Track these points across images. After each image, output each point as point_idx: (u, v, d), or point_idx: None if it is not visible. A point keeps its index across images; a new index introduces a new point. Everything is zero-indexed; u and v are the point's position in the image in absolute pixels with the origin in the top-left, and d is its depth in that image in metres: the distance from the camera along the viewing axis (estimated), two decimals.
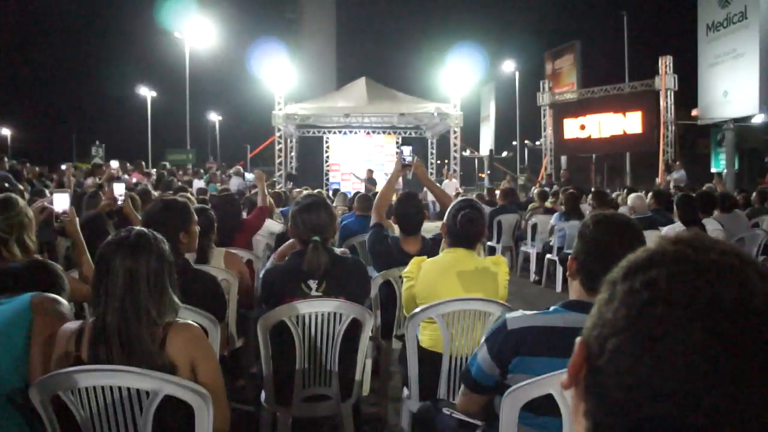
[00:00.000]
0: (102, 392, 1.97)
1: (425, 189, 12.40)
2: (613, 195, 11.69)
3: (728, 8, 18.13)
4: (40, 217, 3.43)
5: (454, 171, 21.07)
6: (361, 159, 22.72)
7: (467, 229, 3.18)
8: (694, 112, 20.82)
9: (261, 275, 3.41)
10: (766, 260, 6.67)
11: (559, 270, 8.40)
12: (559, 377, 1.87)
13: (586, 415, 0.67)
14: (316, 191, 6.90)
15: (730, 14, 18.09)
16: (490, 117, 31.14)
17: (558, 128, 24.98)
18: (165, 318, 2.08)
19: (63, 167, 14.59)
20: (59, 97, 57.92)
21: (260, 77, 21.77)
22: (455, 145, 21.14)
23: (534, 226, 9.48)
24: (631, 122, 22.77)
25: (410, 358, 3.14)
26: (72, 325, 2.14)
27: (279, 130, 21.03)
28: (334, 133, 24.02)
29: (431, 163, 24.64)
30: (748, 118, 19.08)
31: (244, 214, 6.01)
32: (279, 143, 21.47)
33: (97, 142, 27.98)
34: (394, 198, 5.16)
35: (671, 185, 14.44)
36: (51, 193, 3.67)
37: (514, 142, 39.18)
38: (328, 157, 23.98)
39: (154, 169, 18.83)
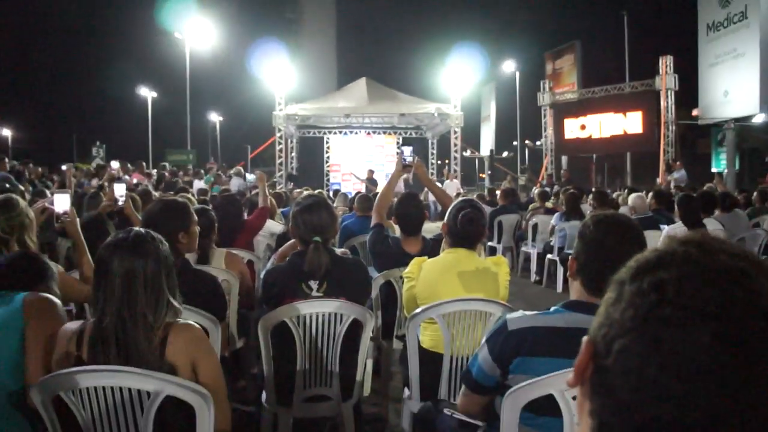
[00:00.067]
0: (103, 393, 1.97)
1: (426, 189, 12.39)
2: (614, 195, 11.69)
3: (728, 8, 18.14)
4: (41, 218, 3.43)
5: (455, 171, 21.07)
6: (361, 159, 22.73)
7: (468, 229, 3.18)
8: (694, 112, 20.82)
9: (262, 276, 3.41)
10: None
11: (560, 270, 8.40)
12: (560, 378, 1.88)
13: (592, 414, 0.67)
14: (316, 191, 6.90)
15: (730, 14, 18.10)
16: (491, 117, 31.13)
17: (558, 128, 24.99)
18: (162, 321, 2.08)
19: (64, 168, 14.58)
20: (60, 98, 57.96)
21: (261, 77, 21.76)
22: (456, 145, 21.13)
23: (535, 227, 9.48)
24: (632, 122, 22.78)
25: (411, 358, 3.14)
26: (73, 325, 2.14)
27: (279, 130, 21.02)
28: (335, 133, 24.02)
29: (432, 164, 24.63)
30: (748, 118, 19.09)
31: (245, 215, 6.00)
32: (279, 144, 21.47)
33: (98, 143, 28.01)
34: (395, 198, 5.16)
35: (672, 185, 14.42)
36: (52, 194, 3.67)
37: (515, 143, 39.16)
38: (328, 157, 23.98)
39: (155, 170, 18.83)
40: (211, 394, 2.01)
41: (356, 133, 23.99)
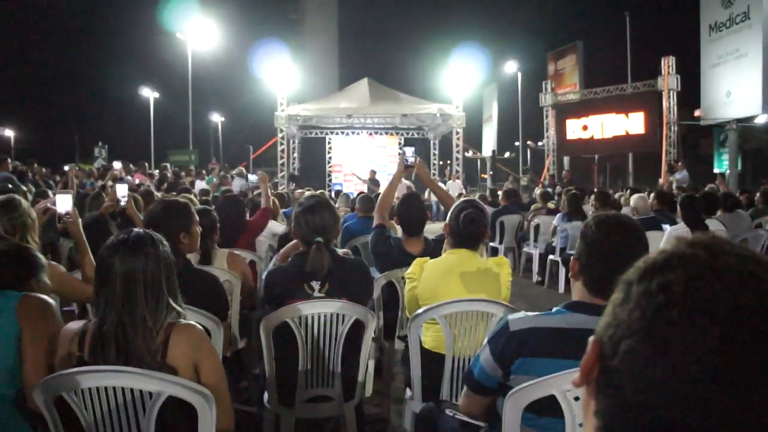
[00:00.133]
0: (105, 393, 1.98)
1: (428, 190, 12.39)
2: (616, 196, 11.68)
3: (731, 8, 18.12)
4: (43, 218, 3.44)
5: (457, 172, 21.07)
6: (363, 160, 22.73)
7: (470, 229, 3.18)
8: (696, 113, 20.80)
9: (264, 276, 3.41)
10: None
11: (562, 271, 8.40)
12: (561, 378, 1.88)
13: (597, 415, 0.67)
14: (318, 192, 6.90)
15: (732, 14, 18.08)
16: (493, 118, 31.18)
17: (560, 129, 24.97)
18: (163, 323, 2.08)
19: (66, 168, 14.61)
20: (62, 99, 58.00)
21: (263, 78, 21.78)
22: (458, 146, 21.13)
23: (536, 227, 9.47)
24: (634, 123, 22.76)
25: (413, 359, 3.13)
26: (75, 325, 2.14)
27: (281, 131, 21.03)
28: (337, 134, 24.03)
29: (433, 164, 24.63)
30: (751, 119, 19.06)
31: (247, 216, 6.01)
32: (281, 144, 21.48)
33: (100, 143, 28.00)
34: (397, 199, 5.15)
35: (674, 186, 14.41)
36: (54, 195, 3.67)
37: (517, 143, 39.09)
38: (330, 158, 24.00)
39: (157, 170, 18.84)
40: (214, 394, 2.01)
41: (358, 133, 24.00)
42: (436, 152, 25.29)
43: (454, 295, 3.08)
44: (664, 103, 21.10)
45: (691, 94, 21.54)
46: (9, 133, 41.72)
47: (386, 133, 23.93)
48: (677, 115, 21.22)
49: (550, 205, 10.65)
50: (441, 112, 20.07)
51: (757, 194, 9.99)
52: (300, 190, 12.02)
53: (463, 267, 3.19)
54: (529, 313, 2.06)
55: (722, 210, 7.13)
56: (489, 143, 32.12)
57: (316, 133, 24.51)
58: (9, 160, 12.02)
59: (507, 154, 39.07)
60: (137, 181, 13.22)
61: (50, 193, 7.63)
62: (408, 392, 3.31)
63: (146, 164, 17.20)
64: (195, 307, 2.76)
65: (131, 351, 2.01)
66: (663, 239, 5.92)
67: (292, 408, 3.10)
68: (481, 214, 3.23)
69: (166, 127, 39.08)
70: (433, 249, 4.01)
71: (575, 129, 24.61)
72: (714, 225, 6.18)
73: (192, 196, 7.44)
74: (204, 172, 19.20)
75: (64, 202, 3.42)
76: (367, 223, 5.74)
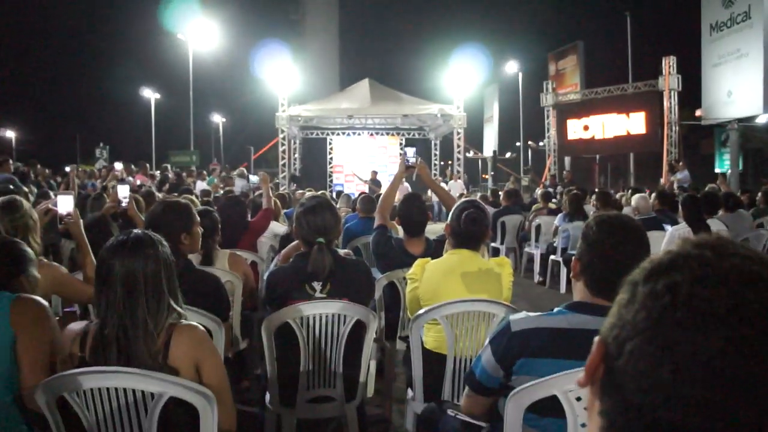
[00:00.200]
0: (107, 394, 1.98)
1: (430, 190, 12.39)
2: (617, 196, 11.68)
3: (732, 8, 18.10)
4: (45, 219, 3.44)
5: (458, 172, 21.07)
6: (364, 160, 22.74)
7: (471, 229, 3.18)
8: (697, 113, 20.79)
9: (265, 277, 3.41)
10: None
11: (563, 271, 8.39)
12: (563, 378, 1.88)
13: (602, 415, 0.67)
14: (319, 193, 6.90)
15: (733, 14, 18.06)
16: (494, 118, 31.15)
17: (561, 129, 24.96)
18: (164, 324, 2.08)
19: (67, 169, 14.61)
20: (63, 100, 58.13)
21: (264, 79, 21.79)
22: (459, 146, 21.13)
23: (538, 227, 9.47)
24: (635, 123, 22.75)
25: (414, 359, 3.13)
26: (76, 326, 2.14)
27: (282, 131, 21.04)
28: (338, 134, 24.04)
29: (435, 165, 24.64)
30: (752, 118, 19.04)
31: (249, 216, 6.01)
32: (282, 145, 21.48)
33: (101, 144, 28.03)
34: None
35: (675, 186, 14.41)
36: (56, 195, 3.68)
37: (518, 143, 39.13)
38: (331, 158, 24.01)
39: (158, 171, 18.85)
40: (216, 394, 2.01)
41: (359, 134, 24.01)
42: (437, 152, 25.30)
43: (455, 296, 3.08)
44: (665, 103, 21.10)
45: (692, 94, 21.54)
46: (10, 134, 41.77)
47: (387, 134, 23.95)
48: (678, 115, 21.21)
49: (551, 205, 10.65)
50: (442, 112, 20.08)
51: (759, 194, 9.98)
52: (301, 191, 12.03)
53: (464, 267, 3.19)
54: (531, 314, 2.06)
55: (724, 210, 7.13)
56: (490, 143, 32.10)
57: (317, 134, 24.52)
58: (11, 161, 12.02)
59: (508, 155, 39.08)
60: (138, 182, 13.22)
61: (52, 194, 7.63)
62: (409, 392, 3.31)
63: (147, 165, 17.20)
64: (197, 308, 2.76)
65: (132, 354, 2.01)
66: (665, 239, 5.92)
67: (294, 408, 3.10)
68: (483, 215, 3.23)
69: (167, 127, 39.16)
70: (434, 249, 4.01)
71: (576, 129, 24.59)
72: (715, 225, 6.18)
73: (193, 197, 7.44)
74: (204, 172, 19.20)
75: (65, 203, 3.42)
76: (368, 224, 5.73)
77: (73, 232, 3.46)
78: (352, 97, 20.91)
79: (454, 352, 3.06)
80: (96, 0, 57.75)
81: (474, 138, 30.51)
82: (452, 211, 3.30)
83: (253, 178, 15.45)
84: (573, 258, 2.06)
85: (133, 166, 15.67)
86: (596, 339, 0.70)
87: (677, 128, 21.12)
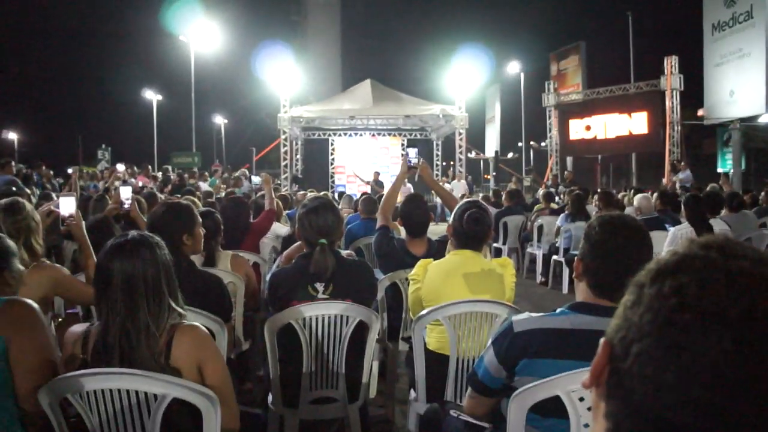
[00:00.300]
0: (110, 396, 1.98)
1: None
2: (619, 196, 11.67)
3: (734, 8, 18.09)
4: (47, 221, 3.44)
5: (461, 173, 21.07)
6: (366, 161, 22.74)
7: (473, 230, 3.18)
8: (700, 112, 20.78)
9: (268, 278, 3.41)
10: None
11: (566, 271, 8.39)
12: (566, 379, 1.88)
13: (607, 416, 0.67)
14: (321, 193, 6.90)
15: (735, 14, 18.05)
16: (496, 118, 31.18)
17: (563, 129, 24.96)
18: (165, 325, 2.07)
19: (69, 171, 14.63)
20: (65, 101, 58.20)
21: (265, 80, 21.80)
22: (460, 146, 21.13)
23: (540, 228, 9.46)
24: (637, 123, 22.75)
25: (417, 360, 3.13)
26: (78, 328, 2.14)
27: (284, 132, 21.04)
28: (340, 135, 24.04)
29: (437, 165, 24.64)
30: (754, 118, 19.03)
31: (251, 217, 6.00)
32: (284, 146, 21.49)
33: (104, 146, 28.06)
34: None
35: (677, 186, 14.40)
36: (58, 197, 3.68)
37: (520, 144, 39.09)
38: (333, 159, 24.01)
39: (160, 173, 18.86)
40: (218, 394, 2.01)
41: (361, 134, 24.01)
42: (439, 153, 25.29)
43: (458, 296, 3.08)
44: (667, 103, 21.09)
45: (694, 93, 21.53)
46: (12, 135, 41.77)
47: (389, 134, 23.94)
48: (680, 114, 21.21)
49: (554, 205, 10.65)
50: (444, 112, 20.07)
51: (762, 193, 9.97)
52: (302, 192, 12.03)
53: (466, 268, 3.19)
54: (534, 314, 2.06)
55: (728, 209, 7.11)
56: (492, 144, 32.13)
57: (319, 135, 24.52)
58: (13, 163, 12.04)
59: (510, 155, 39.04)
60: (140, 184, 13.24)
61: (54, 195, 7.63)
62: (412, 393, 3.30)
63: (149, 167, 17.22)
64: (199, 309, 2.76)
65: (135, 357, 2.01)
66: (667, 239, 5.91)
67: (297, 409, 3.10)
68: (485, 215, 3.23)
69: (169, 129, 39.17)
70: (436, 250, 4.01)
71: (578, 129, 24.59)
72: (718, 225, 6.16)
73: (195, 199, 7.44)
74: (206, 174, 19.21)
75: (67, 205, 3.43)
76: (370, 225, 5.73)
77: (75, 234, 3.46)
78: (353, 98, 20.92)
79: (456, 352, 3.05)
80: (98, 1, 57.86)
81: (476, 138, 30.56)
82: (454, 211, 3.30)
83: (255, 179, 15.45)
84: (575, 258, 2.05)
85: (135, 168, 15.69)
86: (602, 340, 0.70)
87: (679, 128, 21.11)
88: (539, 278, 9.44)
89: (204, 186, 15.15)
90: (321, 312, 3.04)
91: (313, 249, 3.15)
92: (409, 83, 32.31)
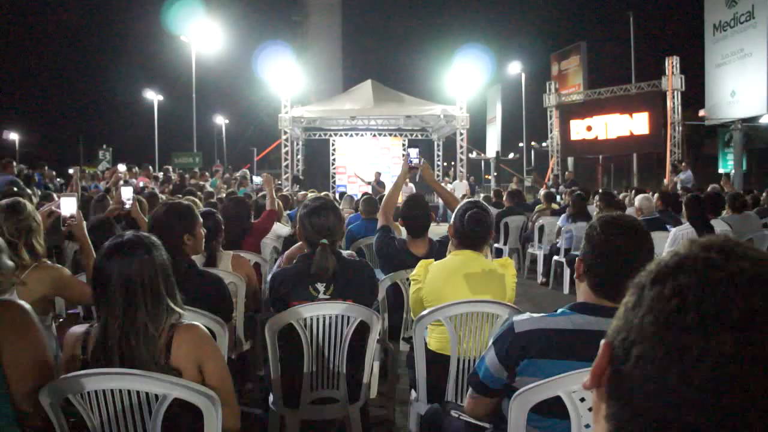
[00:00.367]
0: (111, 396, 1.98)
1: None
2: (620, 196, 11.66)
3: (735, 8, 18.09)
4: (48, 221, 3.44)
5: (462, 173, 21.07)
6: (367, 161, 22.76)
7: (475, 230, 3.18)
8: (701, 113, 20.79)
9: (269, 278, 3.41)
10: None
11: (566, 272, 8.38)
12: (567, 379, 1.87)
13: (608, 418, 0.66)
14: (322, 194, 6.90)
15: (737, 14, 18.04)
16: (497, 119, 31.17)
17: (564, 130, 24.94)
18: (164, 326, 2.07)
19: (70, 171, 14.63)
20: (66, 102, 58.20)
21: (266, 80, 21.80)
22: (461, 147, 21.12)
23: (541, 228, 9.46)
24: (638, 123, 22.73)
25: (418, 360, 3.13)
26: (79, 329, 2.14)
27: (285, 132, 21.04)
28: (341, 135, 24.06)
29: (437, 165, 24.64)
30: (755, 118, 19.03)
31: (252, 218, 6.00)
32: (285, 146, 21.49)
33: (105, 146, 28.07)
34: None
35: (678, 186, 14.39)
36: (59, 197, 3.68)
37: (521, 144, 39.10)
38: (334, 159, 24.03)
39: (161, 173, 18.86)
40: (219, 393, 2.01)
41: (362, 135, 24.02)
42: (440, 153, 25.30)
43: (458, 297, 3.08)
44: (669, 104, 21.07)
45: (695, 94, 21.56)
46: (13, 136, 41.76)
47: (390, 135, 23.97)
48: (681, 115, 21.19)
49: (554, 205, 10.64)
50: (445, 113, 20.06)
51: (764, 193, 9.96)
52: (303, 192, 12.03)
53: (467, 268, 3.18)
54: (535, 315, 2.06)
55: (731, 210, 7.11)
56: (493, 144, 32.12)
57: (320, 135, 24.53)
58: (14, 164, 12.04)
59: (511, 155, 39.08)
60: (141, 184, 13.24)
61: (55, 196, 7.64)
62: (413, 394, 3.30)
63: (150, 167, 17.22)
64: (200, 309, 2.76)
65: (134, 359, 2.01)
66: (668, 240, 5.91)
67: (297, 409, 3.10)
68: (486, 215, 3.22)
69: (170, 129, 39.19)
70: (437, 250, 4.01)
71: (579, 129, 24.58)
72: (719, 225, 6.16)
73: (196, 199, 7.45)
74: (207, 174, 19.21)
75: (68, 205, 3.42)
76: (371, 225, 5.73)
77: (76, 234, 3.46)
78: (354, 98, 20.90)
79: (457, 353, 3.05)
80: (99, 2, 57.86)
81: (477, 139, 30.56)
82: (455, 211, 3.29)
83: (257, 179, 15.45)
84: (577, 259, 2.05)
85: (137, 168, 15.68)
86: (602, 342, 0.69)
87: (680, 128, 21.09)
88: (540, 278, 9.44)
89: (206, 186, 15.15)
90: (322, 312, 3.04)
91: (314, 249, 3.15)
92: (410, 83, 32.36)
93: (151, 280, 2.07)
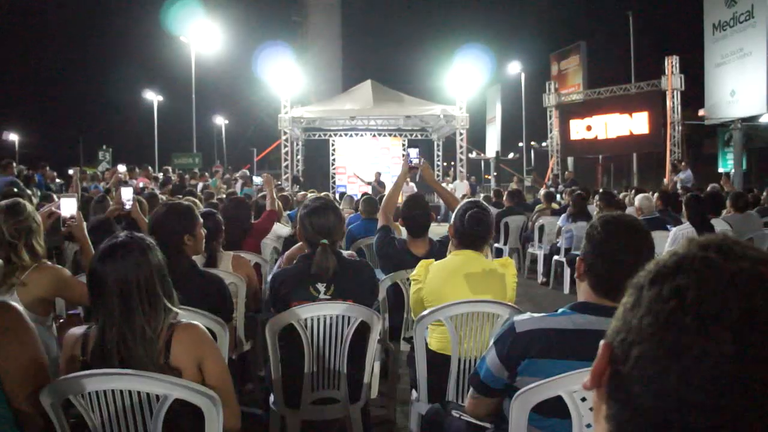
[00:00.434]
0: (112, 396, 1.98)
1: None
2: (620, 196, 11.66)
3: (735, 7, 18.08)
4: (48, 222, 3.44)
5: (461, 173, 21.07)
6: (367, 161, 22.76)
7: (475, 230, 3.18)
8: (700, 112, 20.79)
9: (269, 279, 3.41)
10: None
11: (567, 272, 8.38)
12: (568, 379, 1.87)
13: (608, 419, 0.66)
14: (322, 194, 6.90)
15: (736, 13, 18.04)
16: (496, 119, 31.16)
17: (564, 129, 24.94)
18: (162, 326, 2.07)
19: (70, 171, 14.63)
20: (66, 102, 58.17)
21: (266, 80, 21.79)
22: (461, 147, 21.11)
23: (541, 228, 9.46)
24: (638, 123, 22.74)
25: (419, 360, 3.13)
26: (78, 330, 2.13)
27: (285, 133, 21.04)
28: (340, 135, 24.06)
29: (437, 165, 24.64)
30: (755, 118, 19.03)
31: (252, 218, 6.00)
32: (285, 146, 21.48)
33: (104, 147, 28.07)
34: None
35: (678, 186, 14.39)
36: (59, 198, 3.68)
37: (520, 144, 39.10)
38: (334, 159, 24.03)
39: (161, 173, 18.86)
40: (219, 391, 2.01)
41: (362, 135, 24.03)
42: (440, 153, 25.29)
43: (459, 297, 3.08)
44: (668, 103, 21.08)
45: (695, 93, 21.53)
46: (13, 137, 41.75)
47: (390, 135, 23.97)
48: (681, 114, 21.20)
49: (554, 205, 10.64)
50: (444, 113, 20.06)
51: (765, 193, 9.96)
52: (303, 192, 12.02)
53: (468, 268, 3.18)
54: (536, 315, 2.06)
55: (734, 209, 7.10)
56: (492, 144, 32.11)
57: (320, 135, 24.52)
58: (14, 164, 12.04)
59: (511, 155, 39.07)
60: (141, 185, 13.23)
61: (55, 196, 7.63)
62: (414, 394, 3.30)
63: (149, 167, 17.21)
64: (201, 309, 2.77)
65: (133, 362, 2.01)
66: (668, 240, 5.90)
67: (298, 410, 3.10)
68: (487, 215, 3.22)
69: (170, 130, 39.16)
70: (437, 250, 4.01)
71: (579, 129, 24.58)
72: (720, 225, 6.16)
73: (196, 199, 7.45)
74: (207, 174, 19.21)
75: (68, 206, 3.42)
76: (371, 225, 5.73)
77: (76, 235, 3.46)
78: (354, 99, 20.90)
79: (458, 353, 3.05)
80: (98, 2, 57.85)
81: (477, 139, 30.56)
82: (456, 211, 3.29)
83: (257, 180, 15.44)
84: (577, 258, 2.05)
85: (137, 169, 15.67)
86: (602, 342, 0.69)
87: (680, 128, 21.10)
88: (540, 278, 9.44)
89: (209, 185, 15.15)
90: (322, 312, 3.04)
91: (314, 249, 3.15)
92: (409, 83, 32.33)
93: (147, 282, 2.06)
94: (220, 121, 49.81)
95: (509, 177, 25.38)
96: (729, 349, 0.58)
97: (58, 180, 16.04)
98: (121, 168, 11.93)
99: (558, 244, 8.69)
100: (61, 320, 3.65)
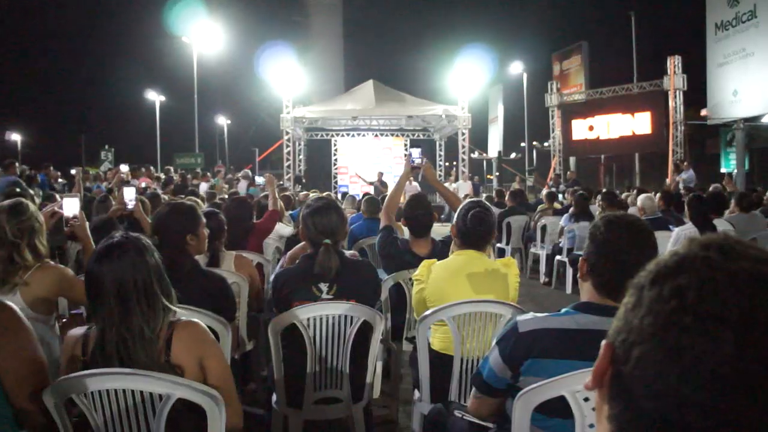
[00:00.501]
0: (115, 396, 1.98)
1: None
2: (623, 196, 11.66)
3: (737, 7, 18.04)
4: (51, 222, 3.44)
5: (463, 173, 21.06)
6: (369, 161, 22.76)
7: (478, 229, 3.18)
8: (703, 112, 20.73)
9: (272, 278, 3.41)
10: None
11: (569, 272, 8.38)
12: (571, 379, 1.87)
13: (610, 419, 0.66)
14: (324, 194, 6.90)
15: (739, 13, 18.00)
16: (498, 119, 31.11)
17: (566, 129, 24.92)
18: (161, 325, 2.07)
19: (72, 172, 14.65)
20: (68, 103, 58.29)
21: (268, 80, 21.81)
22: (463, 147, 21.11)
23: (543, 228, 9.46)
24: (640, 123, 22.72)
25: (421, 360, 3.13)
26: (78, 330, 2.13)
27: (287, 133, 21.05)
28: (342, 135, 24.06)
29: (439, 165, 24.64)
30: (758, 118, 18.98)
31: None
32: (287, 146, 21.50)
33: (107, 147, 28.11)
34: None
35: (680, 186, 14.37)
36: (62, 198, 3.69)
37: (523, 144, 39.08)
38: (336, 159, 24.03)
39: (163, 173, 18.88)
40: (221, 390, 2.01)
41: (364, 135, 24.04)
42: (442, 153, 25.29)
43: (462, 297, 3.08)
44: (671, 103, 21.06)
45: (697, 93, 21.50)
46: (15, 137, 41.80)
47: (392, 135, 23.98)
48: (684, 114, 21.17)
49: (557, 205, 10.64)
50: (446, 113, 20.06)
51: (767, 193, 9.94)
52: (305, 192, 12.03)
53: (470, 268, 3.18)
54: (538, 314, 2.05)
55: (739, 209, 7.09)
56: (495, 144, 32.06)
57: (322, 135, 24.54)
58: (17, 164, 12.05)
59: (513, 155, 39.03)
60: (143, 185, 13.25)
61: (57, 196, 7.64)
62: (416, 394, 3.30)
63: (152, 168, 17.24)
64: (203, 309, 2.77)
65: (133, 362, 2.00)
66: (670, 240, 5.90)
67: (301, 410, 3.10)
68: (489, 215, 3.23)
69: (172, 129, 39.18)
70: (440, 250, 4.00)
71: (581, 129, 24.56)
72: (722, 225, 6.15)
73: (198, 200, 7.45)
74: (209, 174, 19.22)
75: (71, 206, 3.43)
76: (373, 225, 5.73)
77: (79, 235, 3.46)
78: (356, 99, 20.91)
79: (460, 352, 3.05)
80: (100, 2, 57.92)
81: (479, 139, 30.49)
82: (458, 211, 3.29)
83: (259, 180, 15.45)
84: (580, 258, 2.05)
85: (142, 169, 15.70)
86: (603, 343, 0.69)
87: (683, 128, 21.08)
88: (543, 278, 9.43)
89: (205, 187, 15.16)
90: (325, 312, 3.04)
91: (317, 249, 3.15)
92: (411, 83, 32.33)
93: (144, 282, 2.06)
94: (222, 121, 49.83)
95: (511, 177, 25.35)
96: (729, 349, 0.58)
97: (61, 180, 16.06)
98: (124, 168, 11.95)
99: (560, 244, 8.69)
100: (64, 320, 3.66)
